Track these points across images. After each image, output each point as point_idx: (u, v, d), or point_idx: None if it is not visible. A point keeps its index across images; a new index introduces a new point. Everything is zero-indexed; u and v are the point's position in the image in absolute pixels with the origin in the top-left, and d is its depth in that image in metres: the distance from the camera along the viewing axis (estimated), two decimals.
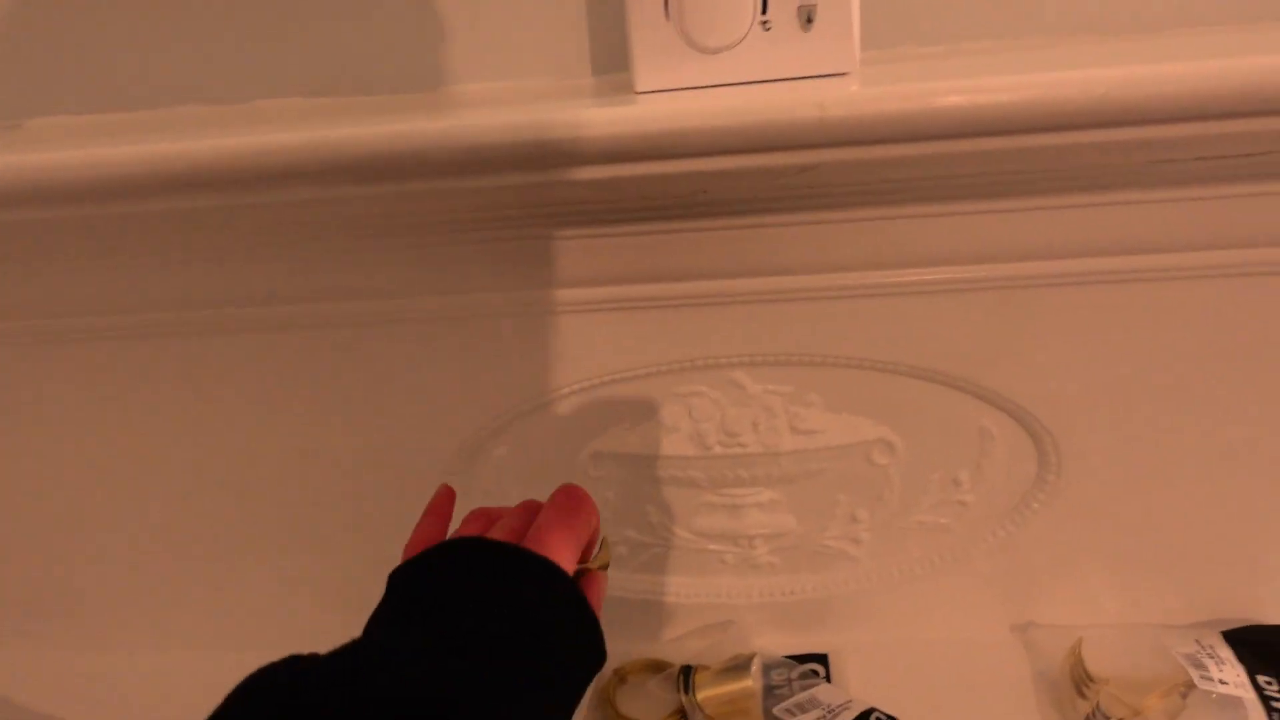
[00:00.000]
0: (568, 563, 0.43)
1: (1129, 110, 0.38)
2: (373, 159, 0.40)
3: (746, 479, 0.65)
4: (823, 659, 0.68)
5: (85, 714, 0.76)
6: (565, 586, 0.41)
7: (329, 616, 0.73)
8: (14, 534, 0.73)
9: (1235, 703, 0.59)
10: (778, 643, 0.70)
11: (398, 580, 0.44)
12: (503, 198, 0.48)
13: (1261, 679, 0.60)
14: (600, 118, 0.39)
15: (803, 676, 0.66)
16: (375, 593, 0.72)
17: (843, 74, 0.47)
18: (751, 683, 0.65)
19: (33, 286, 0.59)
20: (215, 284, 0.58)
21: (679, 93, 0.46)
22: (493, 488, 0.66)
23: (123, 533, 0.71)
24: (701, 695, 0.64)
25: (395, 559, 0.70)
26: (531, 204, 0.50)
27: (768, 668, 0.67)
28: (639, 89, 0.47)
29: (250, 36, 0.55)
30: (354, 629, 0.75)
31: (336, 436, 0.64)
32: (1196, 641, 0.63)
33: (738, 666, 0.65)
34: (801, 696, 0.63)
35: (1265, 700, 0.59)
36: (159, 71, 0.55)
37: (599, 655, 0.43)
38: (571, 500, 0.46)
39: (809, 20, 0.46)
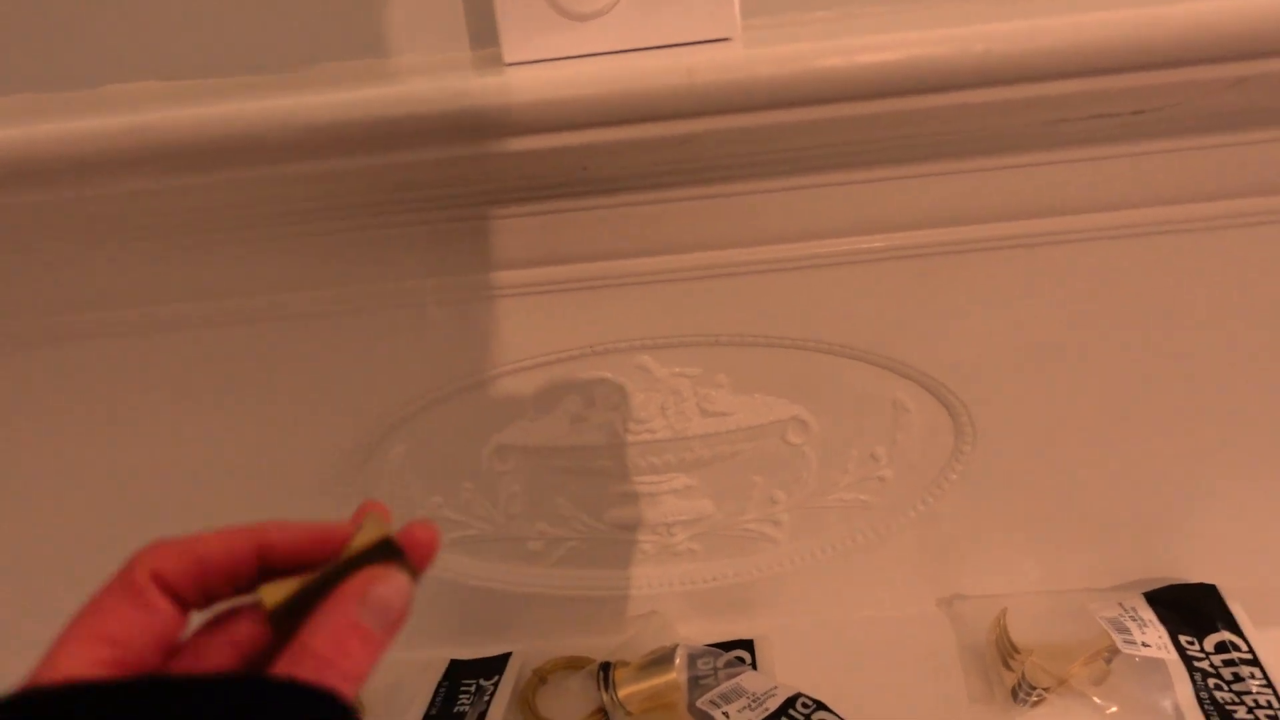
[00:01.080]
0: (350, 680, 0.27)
1: (1011, 67, 0.36)
2: (196, 144, 0.36)
3: (659, 465, 0.62)
4: (748, 645, 0.67)
5: None
6: None
7: None
8: None
9: (1158, 665, 0.58)
10: (703, 631, 0.68)
11: None
12: (365, 181, 0.45)
13: (1183, 639, 0.60)
14: (440, 91, 0.36)
15: (728, 665, 0.64)
16: None
17: (724, 40, 0.45)
18: (676, 675, 0.63)
19: None
20: (84, 282, 0.53)
21: (549, 63, 0.43)
22: (396, 488, 0.63)
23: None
24: (624, 692, 0.62)
25: None
26: (403, 188, 0.47)
27: (692, 658, 0.65)
28: (508, 60, 0.44)
29: (98, 17, 0.50)
30: None
31: (221, 440, 0.60)
32: (1119, 604, 0.62)
33: (661, 659, 0.63)
34: (726, 686, 0.62)
35: (1187, 660, 0.59)
36: None
37: None
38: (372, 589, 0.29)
39: None
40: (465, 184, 0.48)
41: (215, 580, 0.29)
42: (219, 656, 0.29)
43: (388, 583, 0.29)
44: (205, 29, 0.51)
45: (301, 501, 0.63)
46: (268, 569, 0.30)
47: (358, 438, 0.60)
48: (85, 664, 0.26)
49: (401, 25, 0.51)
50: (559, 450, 0.61)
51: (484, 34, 0.51)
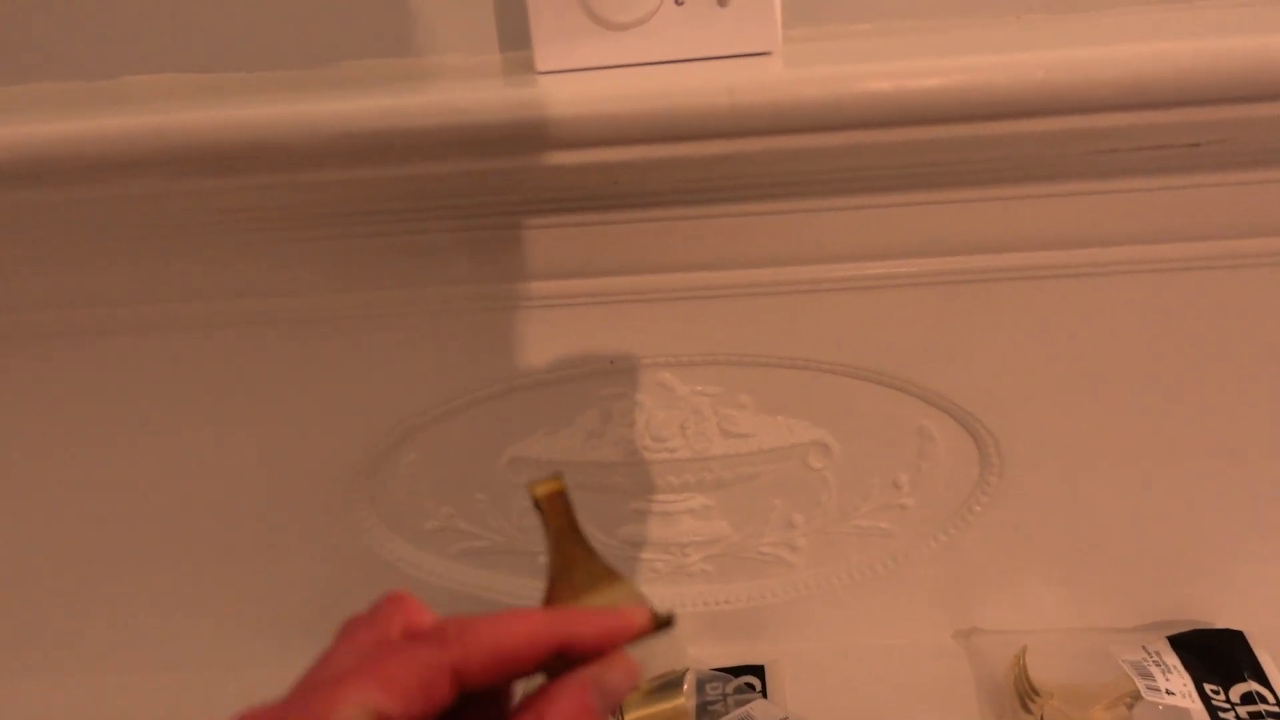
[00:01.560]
0: None
1: (1069, 98, 0.34)
2: (216, 148, 0.35)
3: (676, 485, 0.61)
4: (759, 671, 0.65)
5: None
6: None
7: (231, 636, 0.69)
8: None
9: (1182, 714, 0.57)
10: (713, 654, 0.67)
11: None
12: (389, 189, 0.43)
13: (1208, 687, 0.58)
14: (473, 103, 0.34)
15: (738, 691, 0.63)
16: (277, 611, 0.68)
17: (764, 54, 0.43)
18: (684, 700, 0.61)
19: None
20: (89, 278, 0.52)
21: (582, 73, 0.42)
22: (407, 497, 0.62)
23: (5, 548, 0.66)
24: (630, 716, 0.60)
25: (299, 575, 0.66)
26: (428, 196, 0.46)
27: (701, 682, 0.63)
28: (540, 68, 0.43)
29: (117, 5, 0.49)
30: (255, 649, 0.70)
31: (233, 441, 0.59)
32: (1143, 648, 0.60)
33: (670, 684, 0.62)
34: (735, 714, 0.60)
35: (1212, 710, 0.57)
36: (15, 43, 0.49)
37: None
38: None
39: None
40: (491, 194, 0.47)
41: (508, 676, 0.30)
42: None
43: (619, 669, 0.31)
44: (227, 21, 0.50)
45: (311, 506, 0.61)
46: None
47: (369, 444, 0.59)
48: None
49: (429, 24, 0.49)
50: (574, 465, 0.60)
51: (514, 36, 0.50)
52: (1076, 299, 0.52)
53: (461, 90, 0.36)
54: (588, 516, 0.62)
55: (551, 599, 0.34)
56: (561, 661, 0.31)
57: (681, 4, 0.42)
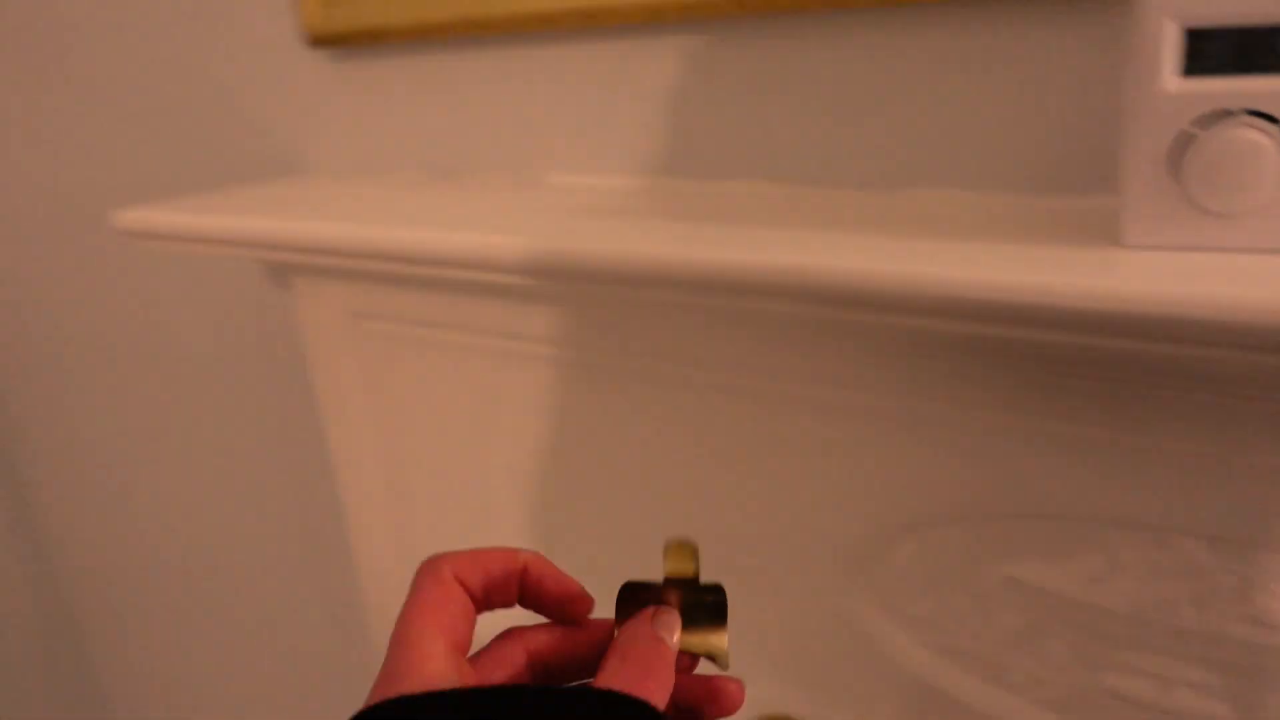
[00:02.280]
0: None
1: None
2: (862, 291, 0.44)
3: (1178, 653, 0.58)
4: None
5: None
6: None
7: None
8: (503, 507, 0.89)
9: None
10: None
11: None
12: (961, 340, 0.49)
13: None
14: (1090, 289, 0.39)
15: None
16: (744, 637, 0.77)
17: None
18: None
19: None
20: (695, 344, 0.66)
21: (1174, 255, 0.44)
22: (894, 579, 0.67)
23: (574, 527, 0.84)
24: None
25: (782, 615, 0.74)
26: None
27: None
28: (1128, 243, 0.46)
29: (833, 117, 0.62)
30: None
31: (772, 500, 0.69)
32: None
33: None
34: None
35: None
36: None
37: None
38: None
39: None
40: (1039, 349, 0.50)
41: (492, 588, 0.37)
42: (511, 663, 0.38)
43: (666, 614, 0.37)
44: (803, 136, 0.60)
45: (811, 562, 0.70)
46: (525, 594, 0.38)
47: (877, 526, 0.65)
48: (443, 658, 0.33)
49: (995, 158, 0.55)
50: (1071, 602, 0.60)
51: (1076, 177, 0.54)
52: None
53: (1072, 274, 0.40)
54: (1074, 653, 0.63)
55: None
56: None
57: None
